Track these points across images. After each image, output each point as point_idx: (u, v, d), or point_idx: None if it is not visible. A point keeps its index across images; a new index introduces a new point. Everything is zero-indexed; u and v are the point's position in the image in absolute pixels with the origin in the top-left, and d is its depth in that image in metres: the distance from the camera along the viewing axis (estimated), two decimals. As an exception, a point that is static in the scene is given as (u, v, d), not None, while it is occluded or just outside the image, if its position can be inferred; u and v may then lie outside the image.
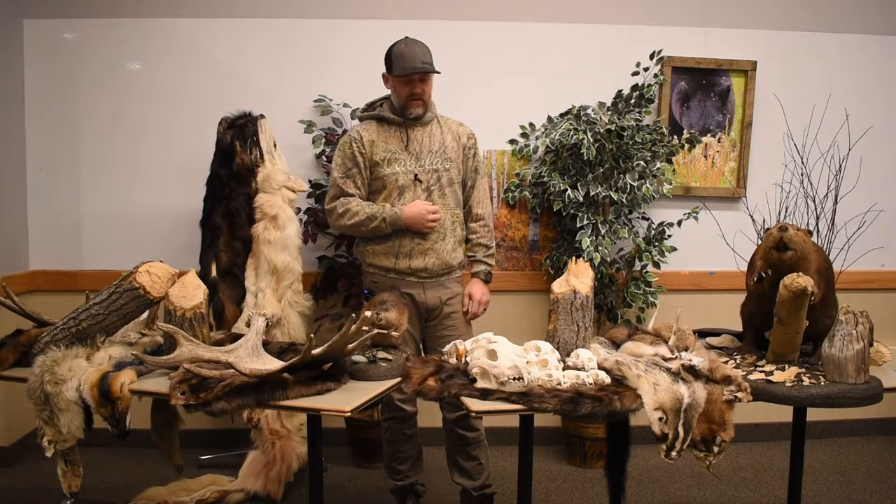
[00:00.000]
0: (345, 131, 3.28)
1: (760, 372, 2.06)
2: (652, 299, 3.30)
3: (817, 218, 3.27)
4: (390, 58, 2.59)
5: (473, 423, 2.70)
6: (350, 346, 1.94)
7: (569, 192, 3.18)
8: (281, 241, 2.95)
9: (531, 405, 1.85)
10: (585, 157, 3.14)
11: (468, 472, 2.75)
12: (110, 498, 2.95)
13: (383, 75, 2.66)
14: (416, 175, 2.61)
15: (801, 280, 2.00)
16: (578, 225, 3.19)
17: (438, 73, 2.61)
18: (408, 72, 2.54)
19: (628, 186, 3.18)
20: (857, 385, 1.95)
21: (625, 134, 3.16)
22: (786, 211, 3.34)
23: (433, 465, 3.21)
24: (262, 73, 3.43)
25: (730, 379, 1.92)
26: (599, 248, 3.14)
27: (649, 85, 3.37)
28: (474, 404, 1.86)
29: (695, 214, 3.32)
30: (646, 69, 3.40)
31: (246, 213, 2.99)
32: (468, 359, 2.00)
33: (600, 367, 2.00)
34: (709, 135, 3.57)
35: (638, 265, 3.34)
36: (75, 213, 3.48)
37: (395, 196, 2.61)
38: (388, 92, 2.71)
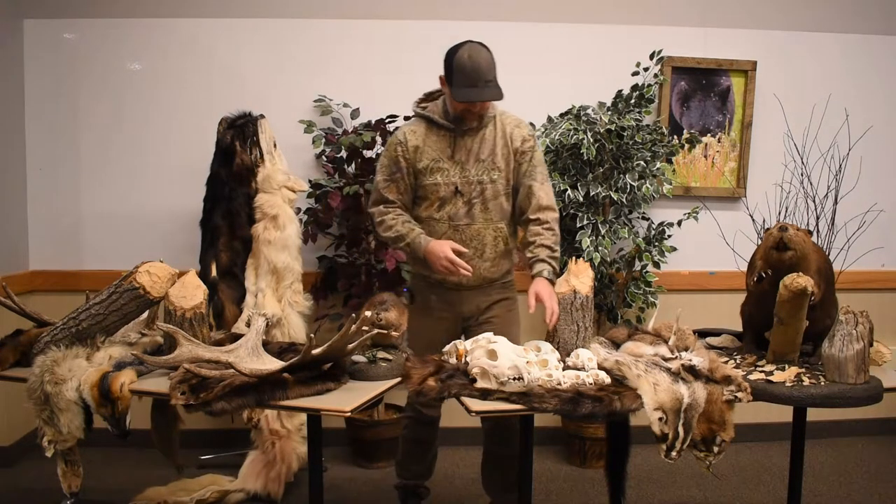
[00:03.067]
0: (345, 131, 3.28)
1: (760, 372, 2.06)
2: (652, 299, 3.29)
3: (817, 218, 3.27)
4: (451, 66, 2.33)
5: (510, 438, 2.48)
6: (350, 346, 1.94)
7: (569, 192, 3.18)
8: (281, 241, 2.95)
9: (531, 405, 1.85)
10: (585, 157, 3.14)
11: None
12: (110, 498, 2.94)
13: (440, 78, 2.41)
14: (456, 187, 2.44)
15: (801, 280, 2.00)
16: (578, 225, 3.19)
17: (501, 98, 2.34)
18: (469, 100, 2.32)
19: (628, 186, 3.18)
20: (857, 385, 1.95)
21: (625, 134, 3.16)
22: (786, 211, 3.34)
23: (438, 466, 3.19)
24: (262, 73, 3.43)
25: (730, 379, 1.92)
26: (599, 248, 3.14)
27: (649, 85, 3.37)
28: (474, 404, 1.87)
29: (695, 214, 3.31)
30: (646, 69, 3.40)
31: (246, 213, 2.99)
32: (468, 359, 2.00)
33: (600, 367, 2.00)
34: (709, 135, 3.57)
35: (638, 265, 3.33)
36: (75, 213, 3.48)
37: (435, 207, 2.47)
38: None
